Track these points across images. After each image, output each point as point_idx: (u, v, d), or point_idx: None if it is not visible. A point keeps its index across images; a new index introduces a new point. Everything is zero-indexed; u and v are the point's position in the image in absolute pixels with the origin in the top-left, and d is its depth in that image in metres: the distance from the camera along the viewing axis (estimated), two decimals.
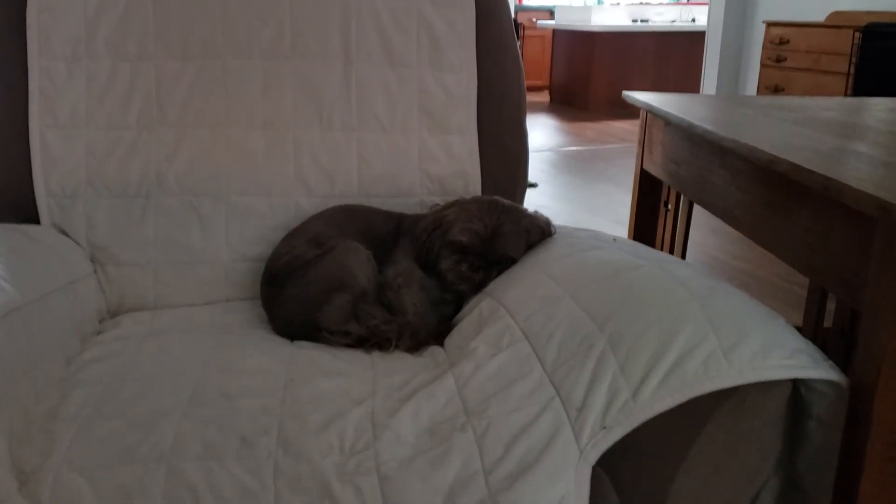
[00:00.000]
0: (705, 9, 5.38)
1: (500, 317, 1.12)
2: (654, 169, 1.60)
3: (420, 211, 1.42)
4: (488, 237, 1.23)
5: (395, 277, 1.26)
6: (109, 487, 0.80)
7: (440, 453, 0.88)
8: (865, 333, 0.86)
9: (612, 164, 5.13)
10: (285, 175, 1.39)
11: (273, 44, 1.40)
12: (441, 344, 1.19)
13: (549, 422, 0.91)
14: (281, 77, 1.40)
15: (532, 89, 8.75)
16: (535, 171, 4.99)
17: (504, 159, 1.53)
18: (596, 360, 0.95)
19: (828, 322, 1.56)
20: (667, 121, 1.49)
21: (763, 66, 4.66)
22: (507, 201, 1.29)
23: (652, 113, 1.55)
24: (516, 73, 1.54)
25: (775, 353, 0.89)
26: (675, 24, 7.92)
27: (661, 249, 1.69)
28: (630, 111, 1.53)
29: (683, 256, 1.69)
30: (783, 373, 0.89)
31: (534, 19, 8.79)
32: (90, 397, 0.96)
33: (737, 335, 0.91)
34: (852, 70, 4.01)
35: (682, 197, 1.65)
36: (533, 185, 4.58)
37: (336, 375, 1.04)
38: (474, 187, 1.48)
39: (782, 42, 4.49)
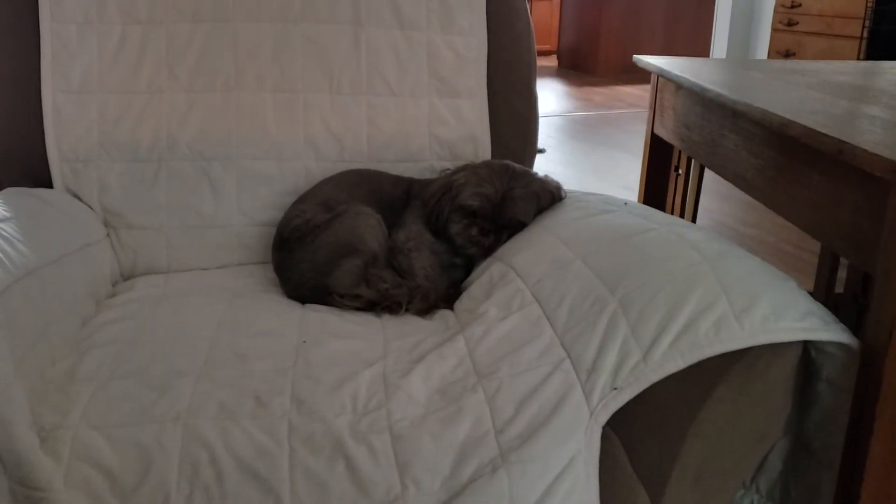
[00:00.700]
0: None
1: (511, 280, 1.13)
2: (664, 133, 1.59)
3: (430, 175, 1.42)
4: (498, 201, 1.23)
5: (406, 241, 1.27)
6: (128, 445, 0.82)
7: (451, 413, 0.89)
8: (877, 297, 0.86)
9: (620, 130, 5.10)
10: (295, 139, 1.39)
11: (283, 7, 1.39)
12: (451, 307, 1.20)
13: (559, 383, 0.92)
14: (291, 41, 1.39)
15: (541, 53, 8.63)
16: (543, 136, 4.95)
17: (514, 123, 1.53)
18: (607, 322, 0.95)
19: (839, 289, 1.56)
20: (678, 85, 1.47)
21: (774, 30, 4.60)
22: (517, 165, 1.29)
23: (663, 77, 1.53)
24: (526, 37, 1.53)
25: (786, 315, 0.90)
26: None
27: (672, 214, 1.68)
28: (639, 76, 1.51)
29: (694, 221, 1.69)
30: (794, 335, 0.90)
31: None
32: (106, 358, 0.97)
33: (748, 297, 0.91)
34: (865, 34, 3.95)
35: (692, 161, 1.64)
36: (541, 151, 4.56)
37: (347, 337, 1.05)
38: (484, 151, 1.48)
39: (794, 5, 4.42)
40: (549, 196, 1.28)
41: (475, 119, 1.48)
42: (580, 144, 4.81)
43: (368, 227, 1.24)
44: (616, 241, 1.08)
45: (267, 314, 1.13)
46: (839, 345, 0.91)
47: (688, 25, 7.35)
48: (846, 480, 0.92)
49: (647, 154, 1.67)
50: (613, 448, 0.92)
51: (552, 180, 1.31)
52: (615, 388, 0.90)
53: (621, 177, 3.81)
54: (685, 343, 0.90)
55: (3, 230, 1.00)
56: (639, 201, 1.75)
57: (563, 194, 1.31)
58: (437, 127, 1.46)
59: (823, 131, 0.95)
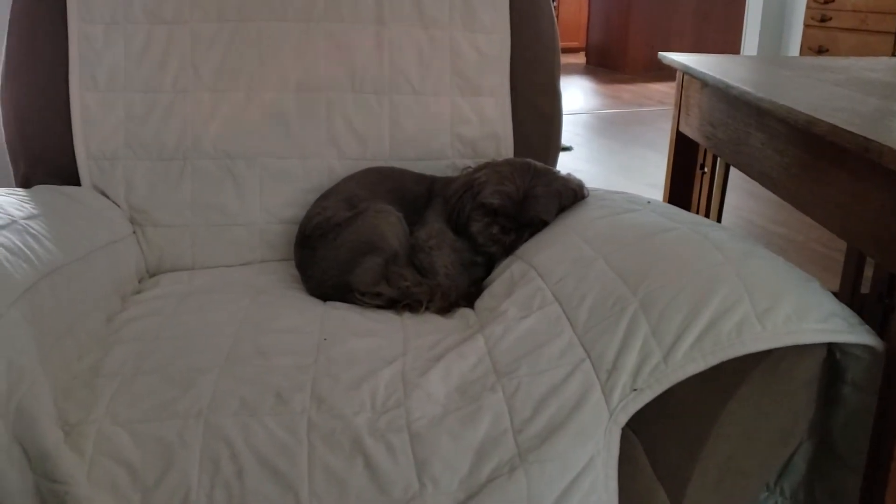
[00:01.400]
0: None
1: (531, 279, 1.12)
2: (690, 131, 1.57)
3: (452, 174, 1.42)
4: (520, 199, 1.23)
5: (427, 239, 1.27)
6: (150, 440, 0.83)
7: (470, 412, 0.89)
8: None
9: (648, 127, 5.05)
10: (318, 138, 1.40)
11: (306, 6, 1.39)
12: (471, 306, 1.20)
13: (579, 383, 0.91)
14: (314, 40, 1.40)
15: (568, 51, 8.61)
16: (570, 134, 4.93)
17: (537, 122, 1.52)
18: (628, 322, 0.95)
19: (865, 289, 1.53)
20: (703, 82, 1.46)
21: (807, 25, 4.52)
22: (539, 164, 1.28)
23: (688, 74, 1.52)
24: (550, 35, 1.52)
25: (810, 316, 0.89)
26: None
27: (697, 213, 1.67)
28: (667, 73, 1.50)
29: (719, 220, 1.67)
30: (818, 336, 0.89)
31: None
32: (130, 354, 0.99)
33: (771, 298, 0.90)
34: None
35: (718, 160, 1.63)
36: (568, 149, 4.53)
37: (367, 335, 1.06)
38: (506, 150, 1.48)
39: (827, 1, 4.34)
40: (571, 194, 1.27)
41: (498, 117, 1.48)
42: (608, 142, 4.78)
43: (389, 224, 1.25)
44: (638, 241, 1.08)
45: (289, 311, 1.14)
46: (864, 347, 0.89)
47: (718, 22, 7.26)
48: (871, 484, 0.91)
49: (673, 152, 1.66)
50: (633, 449, 0.91)
51: (574, 178, 1.30)
52: (635, 389, 0.90)
53: (649, 175, 3.77)
54: (707, 344, 0.89)
55: (31, 227, 1.02)
56: (664, 200, 1.73)
57: (585, 192, 1.30)
58: (460, 125, 1.46)
59: (849, 129, 0.94)
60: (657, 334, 0.92)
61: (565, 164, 4.37)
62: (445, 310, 1.18)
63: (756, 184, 1.31)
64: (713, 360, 0.88)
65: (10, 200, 1.09)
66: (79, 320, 1.01)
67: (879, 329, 0.90)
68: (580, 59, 8.35)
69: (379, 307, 1.19)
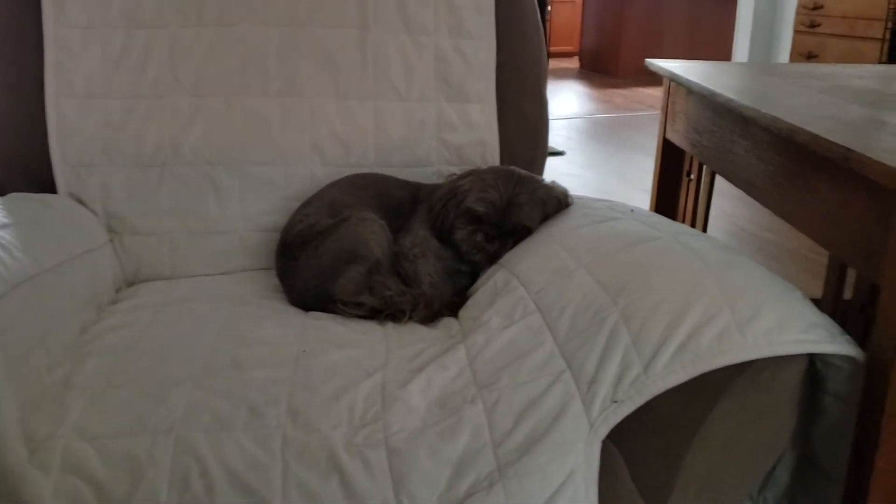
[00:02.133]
0: None
1: (514, 288, 1.11)
2: (676, 138, 1.57)
3: (437, 180, 1.41)
4: (504, 207, 1.22)
5: (412, 247, 1.26)
6: (119, 456, 0.81)
7: (449, 425, 0.87)
8: (884, 309, 0.84)
9: (640, 132, 5.05)
10: (301, 144, 1.38)
11: (288, 10, 1.38)
12: (455, 315, 1.18)
13: (559, 394, 0.90)
14: (296, 44, 1.38)
15: (562, 55, 8.63)
16: (563, 138, 4.93)
17: (523, 128, 1.51)
18: (608, 332, 0.94)
19: (849, 293, 1.53)
20: (689, 89, 1.45)
21: (796, 31, 4.53)
22: (523, 171, 1.27)
23: (675, 81, 1.51)
24: (536, 41, 1.51)
25: (791, 327, 0.88)
26: None
27: (683, 220, 1.66)
28: (660, 78, 1.50)
29: (705, 227, 1.66)
30: (799, 347, 0.88)
31: None
32: (103, 366, 0.97)
33: (752, 309, 0.89)
34: (888, 36, 3.88)
35: (704, 167, 1.62)
36: (560, 153, 4.53)
37: (348, 346, 1.04)
38: (492, 157, 1.47)
39: (816, 7, 4.35)
40: (555, 202, 1.26)
41: (484, 124, 1.47)
42: (601, 147, 4.78)
43: (372, 233, 1.23)
44: (620, 250, 1.07)
45: (268, 322, 1.12)
46: (845, 357, 0.88)
47: (710, 27, 7.28)
48: (853, 495, 0.90)
49: (660, 159, 1.65)
50: (614, 462, 0.90)
51: (559, 186, 1.29)
52: (616, 401, 0.89)
53: (642, 179, 3.77)
54: (687, 355, 0.88)
55: (1, 237, 1.00)
56: (651, 207, 1.73)
57: (569, 200, 1.29)
58: (445, 132, 1.45)
59: (831, 139, 0.93)
60: (638, 345, 0.91)
61: (558, 169, 4.39)
62: (429, 319, 1.17)
63: None
64: (694, 372, 0.87)
65: None
66: (50, 332, 0.99)
67: (861, 339, 0.89)
68: (574, 63, 8.36)
69: (361, 317, 1.17)
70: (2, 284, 0.92)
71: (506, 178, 1.24)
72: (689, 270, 0.97)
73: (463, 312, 1.18)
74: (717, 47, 7.13)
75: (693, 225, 1.64)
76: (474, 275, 1.28)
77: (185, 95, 1.35)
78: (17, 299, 0.93)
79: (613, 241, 1.09)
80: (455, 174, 1.33)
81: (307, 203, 1.32)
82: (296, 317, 1.16)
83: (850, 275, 1.52)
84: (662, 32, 7.31)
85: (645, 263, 1.02)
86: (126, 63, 1.34)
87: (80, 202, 1.32)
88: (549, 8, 7.90)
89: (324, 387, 0.94)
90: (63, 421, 0.86)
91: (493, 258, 1.24)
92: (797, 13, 4.50)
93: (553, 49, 8.35)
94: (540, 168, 1.54)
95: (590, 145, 4.82)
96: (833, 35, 4.24)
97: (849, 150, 0.88)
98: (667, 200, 1.66)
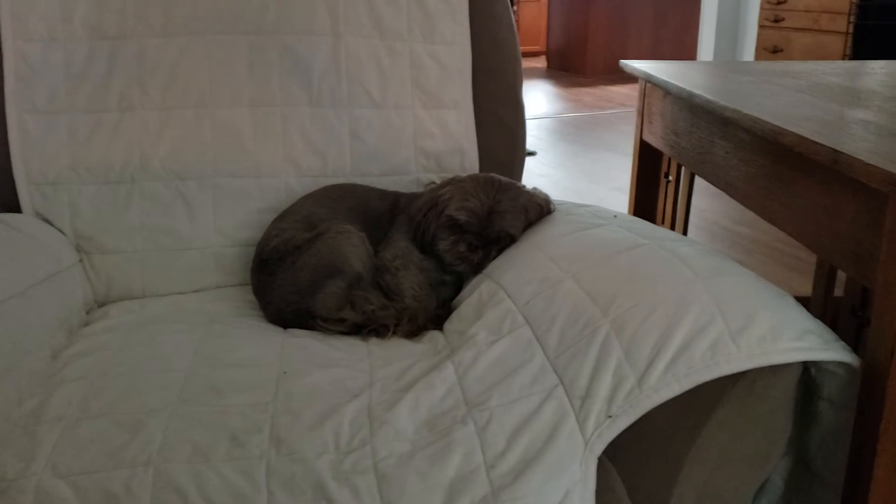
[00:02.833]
0: None
1: (501, 300, 1.09)
2: (653, 139, 1.55)
3: (416, 189, 1.38)
4: (486, 215, 1.19)
5: (393, 259, 1.23)
6: (95, 493, 0.77)
7: (440, 448, 0.85)
8: (877, 313, 0.83)
9: (610, 130, 5.07)
10: (274, 155, 1.35)
11: (257, 18, 1.34)
12: (440, 328, 1.16)
13: (552, 411, 0.88)
14: (267, 53, 1.35)
15: (529, 55, 8.64)
16: (533, 138, 4.92)
17: (501, 133, 1.49)
18: (600, 345, 0.92)
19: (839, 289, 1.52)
20: (666, 90, 1.44)
21: (761, 26, 4.58)
22: (504, 178, 1.25)
23: (650, 82, 1.50)
24: (511, 44, 1.49)
25: (785, 335, 0.86)
26: None
27: (663, 221, 1.65)
28: (628, 76, 1.49)
29: (685, 229, 1.65)
30: (793, 355, 0.86)
31: None
32: (76, 395, 0.93)
33: (745, 317, 0.88)
34: (851, 29, 3.93)
35: (682, 168, 1.61)
36: (531, 154, 4.52)
37: (331, 366, 1.01)
38: (471, 163, 1.44)
39: (780, 2, 4.39)
40: (537, 209, 1.24)
41: (461, 130, 1.44)
42: (571, 146, 4.78)
43: (352, 245, 1.20)
44: (606, 258, 1.05)
45: (246, 342, 1.08)
46: (840, 363, 0.87)
47: (676, 24, 7.34)
48: (850, 502, 0.89)
49: (637, 161, 1.64)
50: (609, 479, 0.88)
51: (541, 193, 1.27)
52: (610, 416, 0.86)
53: (613, 178, 3.77)
54: (681, 367, 0.86)
55: None
56: (629, 209, 1.71)
57: (552, 207, 1.27)
58: (423, 139, 1.42)
59: (817, 140, 0.92)
60: (630, 358, 0.89)
61: (529, 169, 4.36)
62: (413, 334, 1.14)
63: None
64: (688, 384, 0.86)
65: None
66: (18, 360, 0.94)
67: (854, 342, 0.88)
68: (541, 63, 8.38)
69: (343, 334, 1.14)
70: None
71: (487, 185, 1.22)
72: (678, 279, 0.96)
73: (448, 325, 1.15)
74: (683, 44, 7.20)
75: (672, 227, 1.63)
76: (458, 285, 1.25)
77: (153, 108, 1.30)
78: None
79: (599, 249, 1.07)
80: (435, 183, 1.30)
81: (282, 216, 1.28)
82: (274, 335, 1.13)
83: (841, 273, 1.52)
84: (629, 30, 7.35)
85: (633, 272, 1.00)
86: (91, 76, 1.29)
87: (47, 221, 1.27)
88: (515, 8, 7.91)
89: (307, 411, 0.90)
90: (34, 457, 0.81)
91: (478, 268, 1.21)
92: (761, 8, 4.54)
93: (521, 49, 8.36)
94: (519, 172, 1.52)
95: (560, 145, 4.83)
96: (797, 29, 4.29)
97: (837, 151, 0.87)
98: (645, 203, 1.64)
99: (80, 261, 1.28)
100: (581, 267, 1.04)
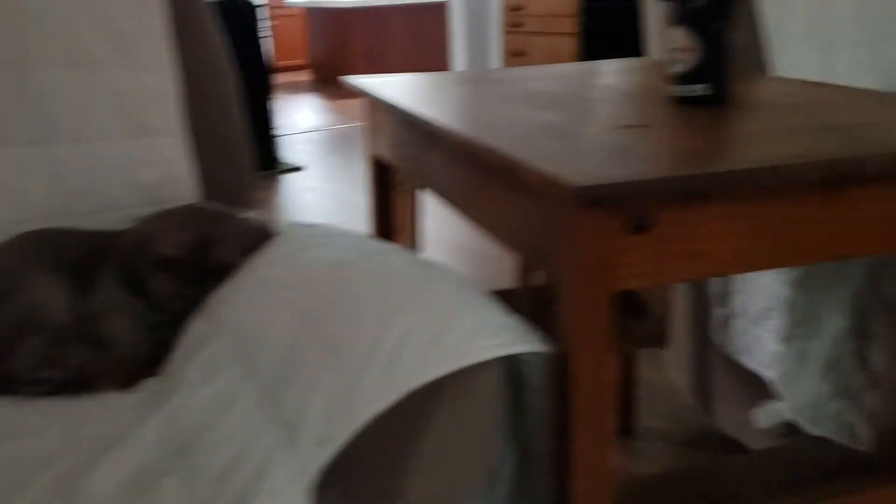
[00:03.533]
0: None
1: (215, 336, 1.04)
2: (382, 152, 1.58)
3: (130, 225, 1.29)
4: (198, 247, 1.14)
5: (99, 306, 1.14)
6: None
7: None
8: (560, 303, 0.89)
9: None
10: None
11: None
12: (157, 374, 1.09)
13: (264, 447, 0.85)
14: None
15: (292, 69, 8.56)
16: (301, 152, 4.88)
17: (223, 156, 1.44)
18: (311, 369, 0.90)
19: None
20: (384, 105, 1.46)
21: (506, 32, 4.86)
22: (217, 206, 1.21)
23: (370, 96, 1.52)
24: (221, 64, 1.44)
25: (481, 334, 0.90)
26: None
27: (400, 234, 1.68)
28: None
29: (415, 241, 1.69)
30: (491, 352, 0.90)
31: None
32: None
33: (445, 322, 0.90)
34: (579, 30, 4.28)
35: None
36: (298, 169, 4.47)
37: (18, 437, 0.91)
38: (189, 192, 1.38)
39: (517, 8, 4.69)
40: (254, 236, 1.20)
41: (176, 158, 1.38)
42: (339, 158, 4.79)
43: (50, 297, 1.10)
44: (320, 279, 1.04)
45: None
46: (537, 353, 0.92)
47: (433, 37, 7.59)
48: (559, 483, 0.95)
49: (372, 176, 1.66)
50: None
51: (258, 218, 1.24)
52: (324, 441, 0.85)
53: None
54: (391, 378, 0.87)
55: None
56: (371, 225, 1.73)
57: (271, 231, 1.24)
58: (135, 170, 1.34)
59: (498, 148, 0.96)
60: (340, 378, 0.88)
61: (300, 184, 4.32)
62: (128, 384, 1.06)
63: None
64: (397, 394, 0.87)
65: None
66: None
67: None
68: (306, 76, 8.34)
69: (50, 394, 1.04)
70: None
71: (198, 216, 1.17)
72: (385, 292, 0.97)
73: (164, 370, 1.09)
74: (441, 54, 7.46)
75: (409, 238, 1.67)
76: (180, 323, 1.19)
77: None
78: None
79: (314, 270, 1.06)
80: (140, 218, 1.23)
81: None
82: None
83: None
84: (388, 43, 7.51)
85: (343, 290, 1.00)
86: None
87: None
88: (273, 22, 7.78)
89: None
90: None
91: (196, 303, 1.16)
92: (504, 14, 4.83)
93: (283, 63, 8.26)
94: (249, 194, 1.48)
95: (328, 158, 4.82)
96: (535, 33, 4.61)
97: (511, 159, 0.92)
98: (384, 217, 1.67)
99: None
100: (294, 292, 1.03)
